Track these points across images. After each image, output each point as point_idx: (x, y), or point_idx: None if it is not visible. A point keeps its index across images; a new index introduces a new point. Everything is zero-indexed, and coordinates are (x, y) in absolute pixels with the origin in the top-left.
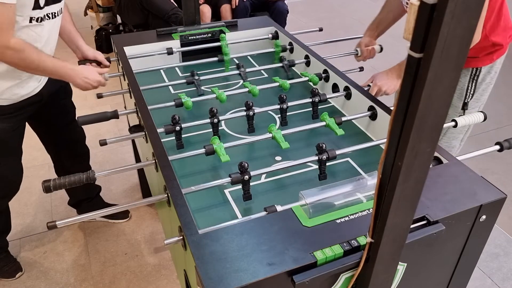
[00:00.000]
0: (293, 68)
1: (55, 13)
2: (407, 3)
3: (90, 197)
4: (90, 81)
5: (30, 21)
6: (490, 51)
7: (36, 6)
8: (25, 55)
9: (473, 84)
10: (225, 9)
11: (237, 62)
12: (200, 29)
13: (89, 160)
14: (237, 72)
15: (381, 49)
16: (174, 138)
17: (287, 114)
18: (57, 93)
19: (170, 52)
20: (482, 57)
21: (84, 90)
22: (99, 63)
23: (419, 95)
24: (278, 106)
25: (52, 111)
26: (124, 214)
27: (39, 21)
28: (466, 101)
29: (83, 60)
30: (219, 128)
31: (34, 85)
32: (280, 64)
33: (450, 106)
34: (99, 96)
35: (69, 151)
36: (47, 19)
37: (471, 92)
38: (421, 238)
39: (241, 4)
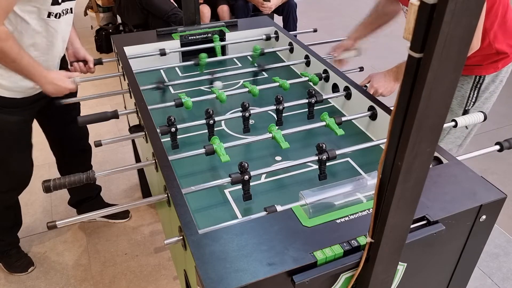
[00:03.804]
0: (293, 68)
1: (69, 9)
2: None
3: (91, 196)
4: (60, 89)
5: (48, 16)
6: (494, 60)
7: (55, 1)
8: (7, 45)
9: (476, 92)
10: (222, 10)
11: (256, 63)
12: (200, 29)
13: (91, 157)
14: (254, 69)
15: (360, 53)
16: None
17: (287, 114)
18: None
19: (163, 53)
20: (486, 65)
21: (54, 95)
22: (86, 63)
23: (419, 95)
24: (275, 107)
25: (59, 107)
26: (124, 214)
27: (57, 16)
28: (466, 108)
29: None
30: (220, 128)
31: None
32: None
33: (451, 112)
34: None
35: (73, 147)
36: (63, 14)
37: (473, 100)
38: (421, 238)
39: (240, 2)
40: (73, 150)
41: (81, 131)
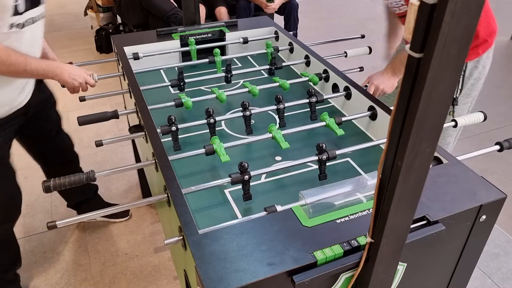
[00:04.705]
0: (293, 68)
1: (35, 17)
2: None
3: (88, 198)
4: (76, 77)
5: (11, 28)
6: (474, 45)
7: (16, 12)
8: (11, 60)
9: (461, 79)
10: (220, 12)
11: (227, 64)
12: (200, 29)
13: (79, 164)
14: (225, 74)
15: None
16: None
17: (287, 114)
18: (42, 104)
19: (136, 57)
20: None
21: (71, 88)
22: None
23: (419, 95)
24: (275, 107)
25: (38, 123)
26: (124, 213)
27: (20, 27)
28: (455, 96)
29: None
30: (219, 128)
31: (21, 98)
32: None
33: None
34: (82, 99)
35: (58, 160)
36: (28, 24)
37: (459, 87)
38: (421, 238)
39: (242, 3)
40: (59, 163)
41: (64, 143)
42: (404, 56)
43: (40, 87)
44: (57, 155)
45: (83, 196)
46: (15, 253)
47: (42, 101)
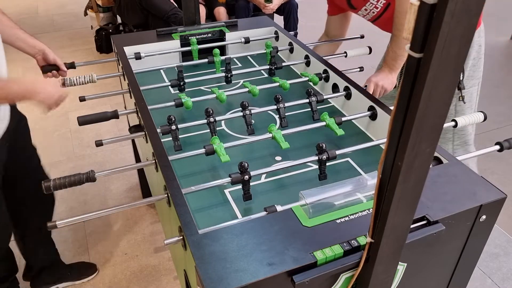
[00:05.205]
0: (293, 68)
1: None
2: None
3: (47, 265)
4: (51, 96)
5: None
6: None
7: None
8: None
9: None
10: (218, 12)
11: (226, 63)
12: (200, 29)
13: (53, 208)
14: (225, 74)
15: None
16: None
17: (288, 114)
18: (16, 129)
19: (138, 57)
20: None
21: (47, 106)
22: (58, 69)
23: (419, 95)
24: (275, 107)
25: (16, 154)
26: (91, 270)
27: None
28: (459, 79)
29: (47, 66)
30: (219, 128)
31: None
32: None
33: None
34: (82, 99)
35: (32, 201)
36: None
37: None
38: (421, 238)
39: (241, 2)
40: (31, 205)
41: (41, 180)
42: (392, 50)
43: (15, 110)
44: (31, 196)
45: (42, 262)
46: (11, 265)
47: (16, 126)
